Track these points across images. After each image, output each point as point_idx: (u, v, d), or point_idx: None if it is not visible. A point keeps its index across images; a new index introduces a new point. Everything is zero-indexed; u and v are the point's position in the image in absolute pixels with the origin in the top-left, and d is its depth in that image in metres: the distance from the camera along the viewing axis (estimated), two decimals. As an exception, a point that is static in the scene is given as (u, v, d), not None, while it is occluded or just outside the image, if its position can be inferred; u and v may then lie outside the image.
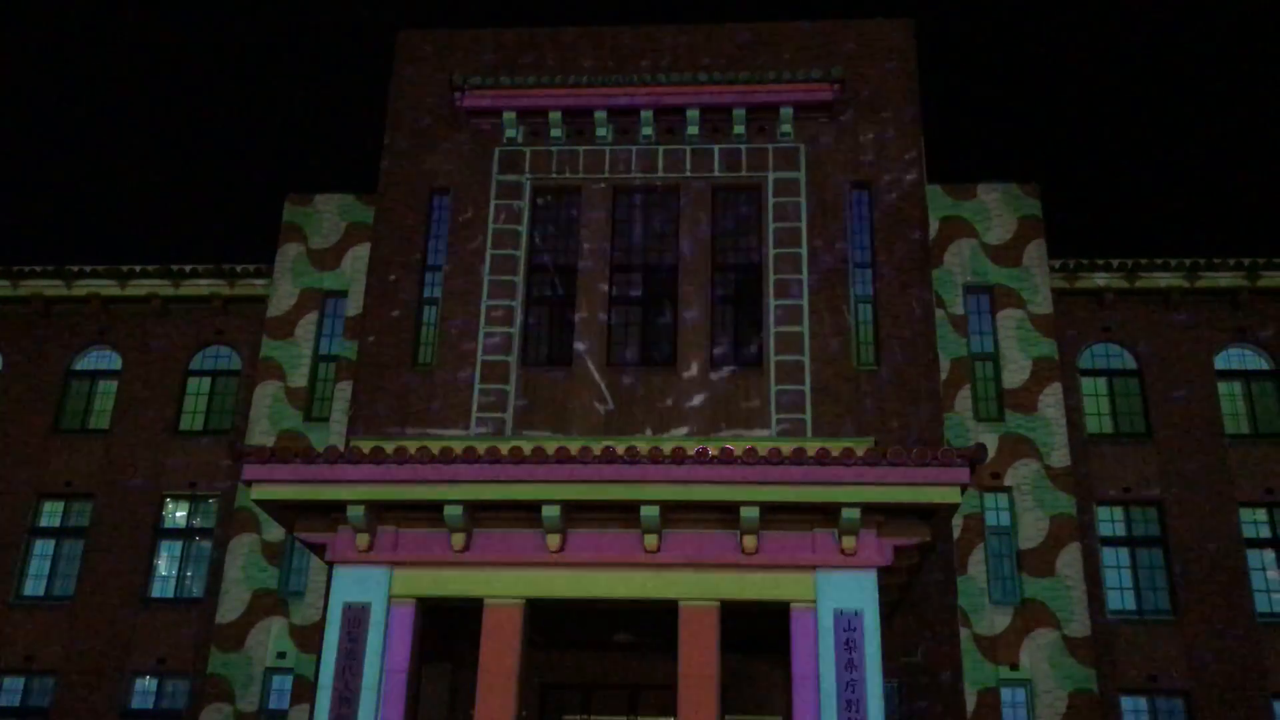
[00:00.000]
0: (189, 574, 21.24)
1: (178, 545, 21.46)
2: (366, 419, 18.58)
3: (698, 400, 18.38)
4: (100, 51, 61.15)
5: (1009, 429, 20.16)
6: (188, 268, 22.71)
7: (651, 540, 13.37)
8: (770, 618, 14.00)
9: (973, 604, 19.00)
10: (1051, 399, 20.31)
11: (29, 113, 59.41)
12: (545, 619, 14.94)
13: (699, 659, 13.06)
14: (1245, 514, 20.64)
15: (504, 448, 13.73)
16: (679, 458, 13.00)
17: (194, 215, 58.31)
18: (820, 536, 13.35)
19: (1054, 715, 18.40)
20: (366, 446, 14.06)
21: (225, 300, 22.78)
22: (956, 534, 19.22)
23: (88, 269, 22.86)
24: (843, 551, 13.25)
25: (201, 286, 22.73)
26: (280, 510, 13.92)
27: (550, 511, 13.21)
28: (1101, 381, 21.68)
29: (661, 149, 20.09)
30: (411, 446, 13.80)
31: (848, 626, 12.96)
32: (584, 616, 15.15)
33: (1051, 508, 19.58)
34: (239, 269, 22.66)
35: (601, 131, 20.03)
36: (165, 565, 21.34)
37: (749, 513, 13.07)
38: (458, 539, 13.53)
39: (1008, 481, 19.86)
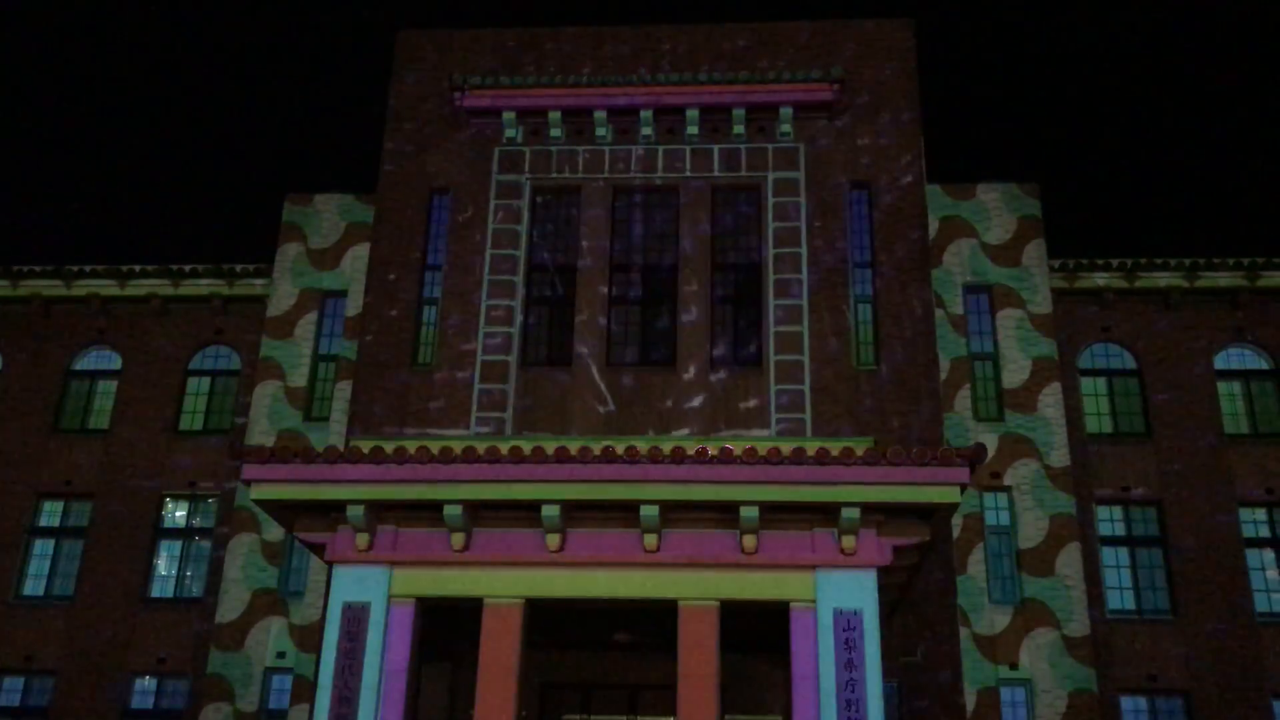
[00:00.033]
0: (189, 574, 21.24)
1: (177, 545, 21.46)
2: (366, 419, 18.58)
3: (697, 400, 18.39)
4: (100, 51, 61.17)
5: (1008, 429, 20.16)
6: (187, 267, 22.71)
7: (651, 540, 13.37)
8: (770, 617, 14.00)
9: (972, 604, 19.01)
10: (1051, 399, 20.31)
11: (29, 113, 59.41)
12: (545, 618, 14.94)
13: (699, 659, 13.06)
14: (1245, 514, 20.64)
15: (504, 448, 13.73)
16: (679, 457, 13.01)
17: (194, 215, 58.34)
18: (820, 536, 13.35)
19: (1054, 715, 18.40)
20: (366, 446, 14.06)
21: (225, 300, 22.78)
22: (956, 534, 19.23)
23: (87, 269, 22.86)
24: (842, 551, 13.25)
25: (201, 286, 22.74)
26: (280, 510, 13.92)
27: (550, 511, 13.22)
28: (1101, 381, 21.69)
29: (661, 149, 20.09)
30: (411, 446, 13.80)
31: (847, 626, 12.96)
32: (584, 616, 15.15)
33: (1051, 507, 19.59)
34: (239, 269, 22.66)
35: (601, 131, 20.03)
36: (165, 565, 21.34)
37: (749, 512, 13.07)
38: (457, 539, 13.53)
39: (1007, 481, 19.86)
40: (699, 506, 13.36)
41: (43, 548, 21.69)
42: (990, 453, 19.89)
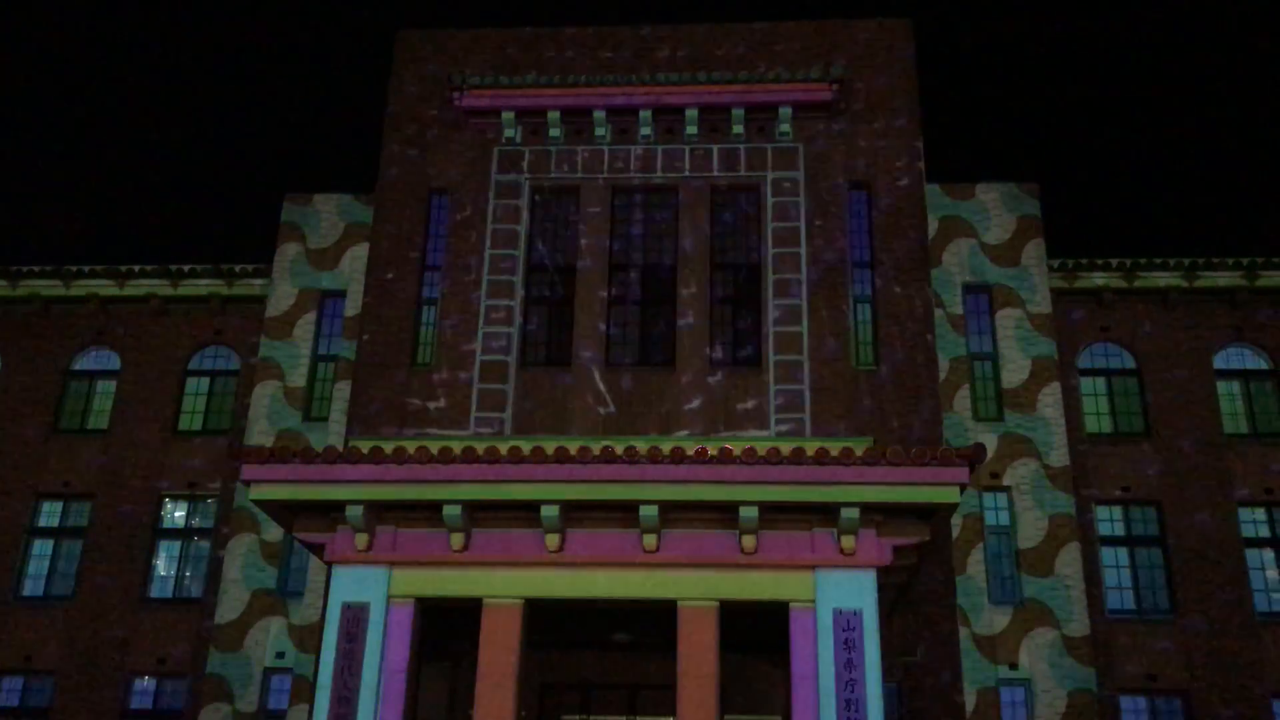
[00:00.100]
0: (188, 574, 21.24)
1: (176, 545, 21.45)
2: (365, 419, 18.57)
3: (697, 400, 18.38)
4: (99, 51, 61.14)
5: (1008, 429, 20.16)
6: (186, 268, 22.70)
7: (651, 540, 13.37)
8: (769, 617, 14.00)
9: (972, 604, 19.01)
10: (1050, 399, 20.31)
11: (29, 113, 59.39)
12: (544, 619, 14.93)
13: (698, 659, 13.06)
14: (1244, 513, 20.64)
15: (503, 448, 13.72)
16: (678, 458, 13.00)
17: (193, 215, 58.31)
18: (819, 536, 13.35)
19: (1053, 715, 18.40)
20: (365, 446, 14.05)
21: (224, 300, 22.77)
22: (956, 534, 19.23)
23: (86, 269, 22.85)
24: (842, 551, 13.25)
25: (200, 286, 22.73)
26: (279, 510, 13.91)
27: (549, 511, 13.21)
28: (1100, 381, 21.69)
29: (660, 149, 20.09)
30: (410, 446, 13.79)
31: (847, 626, 12.96)
32: (583, 616, 15.15)
33: (1050, 507, 19.59)
34: (238, 269, 22.65)
35: (600, 131, 20.03)
36: (164, 565, 21.33)
37: (748, 512, 13.07)
38: (457, 539, 13.53)
39: (1007, 481, 19.86)
40: (698, 507, 13.36)
41: (42, 548, 21.68)
42: (989, 453, 19.88)
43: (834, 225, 19.38)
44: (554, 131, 20.07)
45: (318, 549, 14.10)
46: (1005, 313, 20.97)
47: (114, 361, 22.87)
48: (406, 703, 13.13)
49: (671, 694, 14.07)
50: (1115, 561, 20.46)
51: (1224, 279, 21.68)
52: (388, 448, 13.90)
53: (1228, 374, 21.66)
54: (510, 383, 18.65)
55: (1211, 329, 21.78)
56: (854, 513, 13.04)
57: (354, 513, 13.39)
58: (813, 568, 13.28)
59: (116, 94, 61.30)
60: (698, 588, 13.35)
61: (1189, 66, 58.68)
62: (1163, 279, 21.73)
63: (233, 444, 13.55)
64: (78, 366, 22.97)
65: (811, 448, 13.47)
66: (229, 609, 19.95)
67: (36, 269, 22.99)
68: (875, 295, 19.06)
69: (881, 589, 14.37)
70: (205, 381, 22.58)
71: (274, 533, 20.28)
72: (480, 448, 13.64)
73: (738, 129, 19.93)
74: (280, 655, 19.64)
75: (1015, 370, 20.55)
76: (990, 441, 20.00)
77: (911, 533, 13.46)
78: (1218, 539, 20.29)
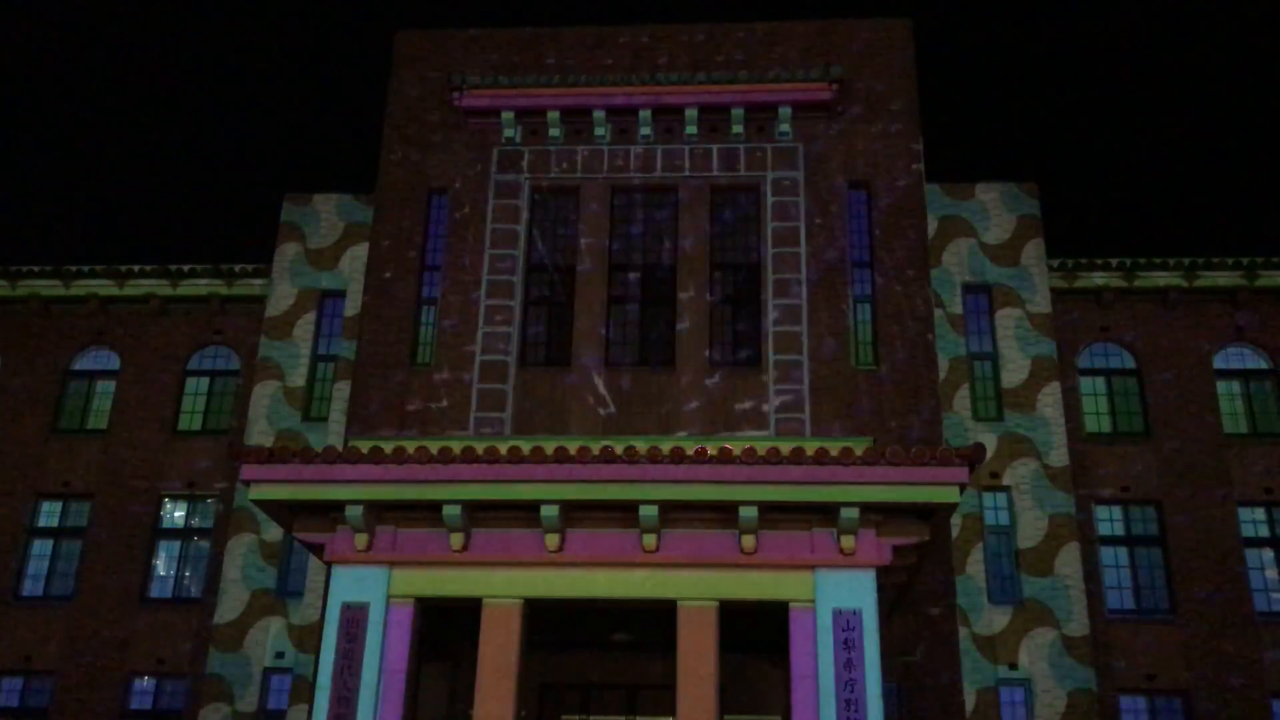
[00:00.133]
0: (187, 574, 21.23)
1: (176, 545, 21.45)
2: (365, 419, 18.57)
3: (696, 400, 18.38)
4: (99, 51, 61.14)
5: (1007, 428, 20.16)
6: (186, 267, 22.70)
7: (650, 540, 13.36)
8: (769, 617, 13.99)
9: (971, 603, 19.01)
10: (1050, 398, 20.32)
11: (29, 112, 59.38)
12: (544, 619, 14.93)
13: (698, 658, 13.06)
14: (1244, 513, 20.65)
15: (502, 448, 13.72)
16: (678, 457, 13.00)
17: (192, 215, 58.30)
18: (819, 536, 13.35)
19: (1053, 715, 18.40)
20: (365, 446, 14.05)
21: (223, 300, 22.78)
22: (955, 533, 19.23)
23: (86, 269, 22.85)
24: (841, 551, 13.24)
25: (200, 286, 22.73)
26: (279, 510, 13.91)
27: (549, 511, 13.21)
28: (1100, 381, 21.69)
29: (660, 149, 20.08)
30: (410, 446, 13.79)
31: (846, 626, 12.95)
32: (583, 616, 15.14)
33: (1050, 507, 19.59)
34: (237, 269, 22.65)
35: (600, 131, 20.02)
36: (163, 565, 21.33)
37: (748, 512, 13.06)
38: (456, 539, 13.52)
39: (1006, 481, 19.86)
40: (698, 506, 13.35)
41: (41, 548, 21.68)
42: (989, 452, 19.89)
43: (834, 225, 19.38)
44: (554, 131, 20.06)
45: (317, 549, 14.10)
46: (1005, 312, 20.97)
47: (114, 361, 22.87)
48: (406, 703, 13.13)
49: (671, 694, 14.06)
50: (1115, 561, 20.47)
51: (1224, 279, 21.69)
52: (387, 448, 13.90)
53: (1228, 374, 21.66)
54: (510, 383, 18.65)
55: (1211, 329, 21.78)
56: (853, 513, 13.03)
57: (354, 513, 13.38)
58: (812, 568, 13.28)
59: (116, 94, 61.30)
60: (697, 588, 13.35)
61: (1189, 66, 58.68)
62: (1162, 279, 21.73)
63: (232, 444, 13.54)
64: (77, 366, 22.97)
65: (811, 448, 13.47)
66: (229, 609, 19.95)
67: (36, 269, 22.99)
68: (875, 295, 19.05)
69: (881, 589, 14.37)
70: (205, 381, 22.58)
71: (273, 533, 20.28)
72: (480, 448, 13.63)
73: (737, 129, 19.93)
74: (280, 655, 19.64)
75: (1015, 370, 20.55)
76: (990, 441, 20.00)
77: (911, 533, 13.45)
78: (1217, 539, 20.30)
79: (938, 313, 20.79)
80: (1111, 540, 20.56)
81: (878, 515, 13.37)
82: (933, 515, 13.51)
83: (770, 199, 19.58)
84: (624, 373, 18.67)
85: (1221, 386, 21.55)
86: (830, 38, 20.69)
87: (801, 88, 19.76)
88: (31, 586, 21.37)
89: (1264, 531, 20.59)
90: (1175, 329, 21.79)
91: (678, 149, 20.06)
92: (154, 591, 21.10)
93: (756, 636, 15.25)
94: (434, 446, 13.78)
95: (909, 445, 17.31)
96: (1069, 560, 19.25)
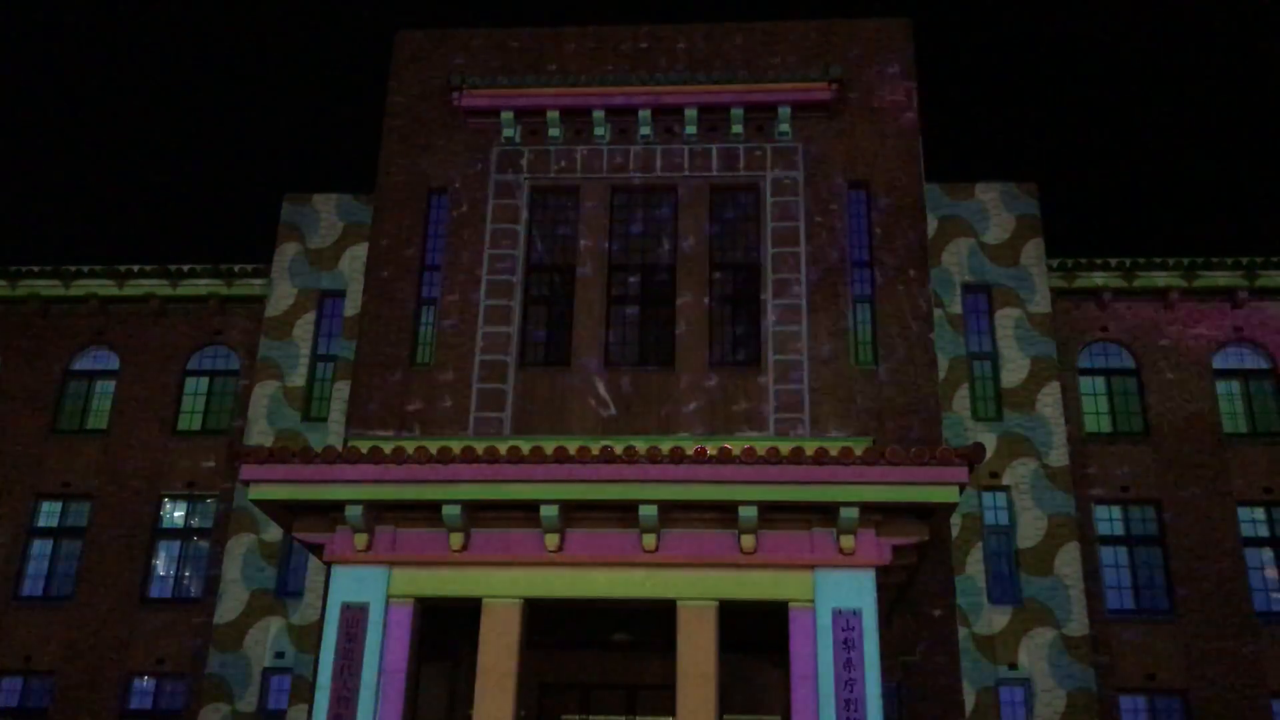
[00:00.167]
0: (187, 574, 21.24)
1: (176, 545, 21.46)
2: (364, 419, 18.57)
3: (696, 400, 18.37)
4: (99, 51, 61.14)
5: (1007, 428, 20.17)
6: (185, 268, 22.71)
7: (650, 540, 13.36)
8: (769, 617, 13.99)
9: (971, 603, 19.01)
10: (1049, 398, 20.32)
11: (28, 112, 59.38)
12: (544, 619, 14.93)
13: (697, 658, 13.06)
14: (1243, 513, 20.66)
15: (502, 448, 13.72)
16: (677, 457, 13.00)
17: (192, 215, 58.30)
18: (819, 536, 13.35)
19: (1053, 714, 18.41)
20: (364, 446, 14.05)
21: (223, 300, 22.78)
22: (955, 533, 19.23)
23: (85, 269, 22.86)
24: (841, 551, 13.24)
25: (199, 286, 22.73)
26: (278, 510, 13.91)
27: (549, 511, 13.21)
28: (1099, 381, 21.70)
29: (660, 148, 20.08)
30: (410, 446, 13.80)
31: (846, 626, 12.95)
32: (582, 616, 15.14)
33: (1050, 507, 19.59)
34: (237, 269, 22.66)
35: (599, 131, 20.02)
36: (163, 565, 21.33)
37: (747, 512, 13.06)
38: (456, 539, 13.53)
39: (1006, 481, 19.87)
40: (698, 506, 13.35)
41: (41, 548, 21.69)
42: (989, 452, 19.89)
43: (833, 225, 19.37)
44: (553, 131, 20.06)
45: (317, 549, 14.10)
46: (1004, 312, 20.98)
47: (113, 361, 22.87)
48: (406, 703, 13.13)
49: (671, 694, 14.07)
50: (1115, 561, 20.47)
51: (1223, 279, 21.70)
52: (387, 448, 13.90)
53: (1227, 374, 21.67)
54: (510, 383, 18.65)
55: (1211, 329, 21.79)
56: (853, 512, 13.03)
57: (353, 513, 13.39)
58: (812, 567, 13.28)
59: (116, 94, 61.31)
60: (697, 587, 13.35)
61: (1188, 66, 58.69)
62: (1162, 278, 21.74)
63: (232, 444, 13.54)
64: (77, 366, 22.97)
65: (811, 448, 13.47)
66: (228, 609, 19.96)
67: (36, 269, 22.99)
68: (875, 295, 19.05)
69: (881, 589, 14.37)
70: (204, 381, 22.59)
71: (273, 533, 20.28)
72: (480, 448, 13.63)
73: (737, 129, 19.92)
74: (280, 655, 19.64)
75: (1014, 370, 20.56)
76: (989, 441, 20.00)
77: (911, 532, 13.45)
78: (1217, 539, 20.30)
79: (937, 313, 20.80)
80: (1111, 540, 20.56)
81: (877, 515, 13.37)
82: (932, 515, 13.51)
83: (770, 199, 19.57)
84: (624, 372, 18.67)
85: (1221, 386, 21.55)
86: (830, 38, 20.68)
87: (801, 88, 19.76)
88: (31, 586, 21.38)
89: (1263, 531, 20.60)
90: (1175, 329, 21.79)
91: (677, 149, 20.06)
92: (154, 591, 21.11)
93: (756, 636, 15.25)
94: (434, 446, 13.79)
95: (909, 445, 17.30)
96: (1069, 560, 19.26)
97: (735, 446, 13.65)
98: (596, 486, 13.14)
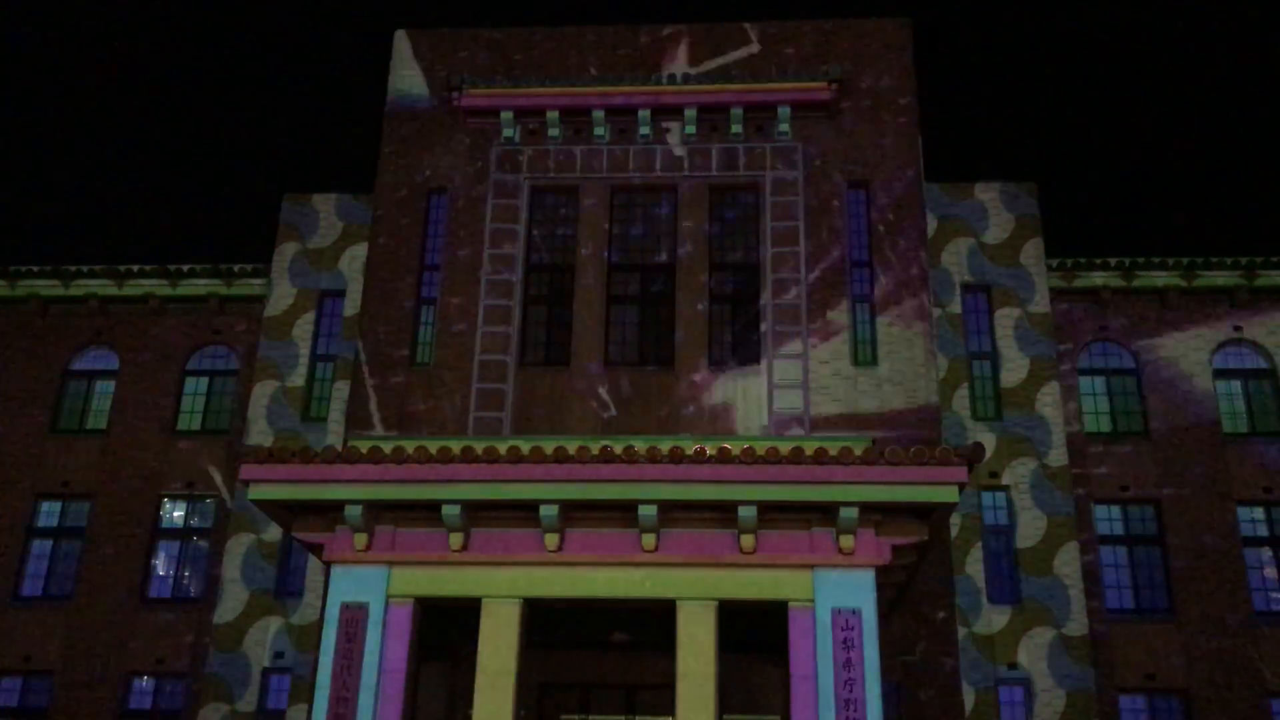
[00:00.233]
0: (187, 574, 21.23)
1: (175, 545, 21.45)
2: (364, 419, 18.56)
3: (695, 400, 18.37)
4: (98, 51, 61.13)
5: (1007, 428, 20.17)
6: (185, 267, 22.70)
7: (649, 540, 13.36)
8: (768, 617, 13.99)
9: (971, 603, 19.01)
10: (1049, 398, 20.32)
11: (28, 112, 59.37)
12: (543, 618, 14.92)
13: (697, 658, 13.06)
14: (1243, 512, 20.66)
15: (502, 448, 13.72)
16: (677, 457, 13.00)
17: (191, 215, 58.29)
18: (818, 535, 13.34)
19: (1052, 714, 18.41)
20: (364, 446, 14.04)
21: (222, 300, 22.78)
22: (954, 533, 19.23)
23: (85, 269, 22.85)
24: (841, 550, 13.24)
25: (199, 286, 22.73)
26: (278, 510, 13.91)
27: (548, 511, 13.20)
28: (1099, 380, 21.70)
29: (659, 148, 20.08)
30: (409, 446, 13.79)
31: (846, 625, 12.95)
32: (582, 616, 15.14)
33: (1049, 507, 19.59)
34: (236, 269, 22.65)
35: (599, 131, 20.02)
36: (163, 565, 21.33)
37: (747, 512, 13.06)
38: (456, 539, 13.52)
39: (1005, 481, 19.87)
40: (697, 506, 13.35)
41: (41, 548, 21.68)
42: (988, 452, 19.89)
43: (833, 224, 19.37)
44: (553, 131, 20.06)
45: (317, 549, 14.09)
46: (1004, 312, 20.98)
47: (113, 361, 22.87)
48: (405, 703, 13.13)
49: (670, 694, 14.06)
50: (1114, 561, 20.47)
51: (1223, 279, 21.70)
52: (386, 447, 13.89)
53: (1227, 373, 21.67)
54: (509, 383, 18.64)
55: (1210, 328, 21.79)
56: (853, 512, 13.03)
57: (353, 512, 13.38)
58: (811, 567, 13.27)
59: (116, 94, 61.30)
60: (696, 587, 13.35)
61: (1188, 66, 58.69)
62: (1161, 278, 21.75)
63: (232, 444, 13.54)
64: (76, 366, 22.97)
65: (810, 447, 13.46)
66: (228, 609, 19.95)
67: (35, 269, 22.99)
68: (874, 295, 19.05)
69: (880, 588, 14.36)
70: (204, 381, 22.58)
71: (273, 532, 20.28)
72: (479, 447, 13.63)
73: (737, 128, 19.92)
74: (279, 655, 19.64)
75: (1014, 370, 20.56)
76: (989, 441, 20.00)
77: (910, 532, 13.45)
78: (1216, 538, 20.30)
79: (937, 312, 20.80)
80: (1110, 540, 20.57)
81: (877, 515, 13.36)
82: (932, 515, 13.51)
83: (769, 198, 19.57)
84: (623, 372, 18.67)
85: (1220, 386, 21.55)
86: (830, 37, 20.68)
87: (801, 87, 19.75)
88: (31, 586, 21.37)
89: (1263, 531, 20.60)
90: (1175, 329, 21.80)
91: (677, 149, 20.05)
92: (154, 591, 21.11)
93: (756, 636, 15.24)
94: (433, 446, 13.78)
95: (908, 445, 17.30)
96: (1068, 560, 19.26)
97: (735, 446, 13.64)
98: (596, 486, 13.13)
